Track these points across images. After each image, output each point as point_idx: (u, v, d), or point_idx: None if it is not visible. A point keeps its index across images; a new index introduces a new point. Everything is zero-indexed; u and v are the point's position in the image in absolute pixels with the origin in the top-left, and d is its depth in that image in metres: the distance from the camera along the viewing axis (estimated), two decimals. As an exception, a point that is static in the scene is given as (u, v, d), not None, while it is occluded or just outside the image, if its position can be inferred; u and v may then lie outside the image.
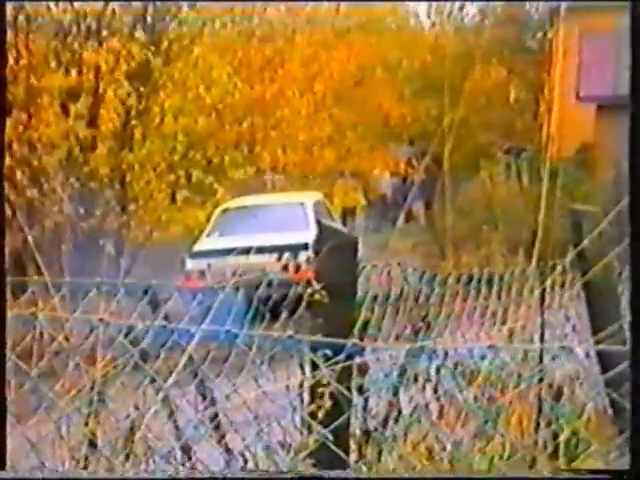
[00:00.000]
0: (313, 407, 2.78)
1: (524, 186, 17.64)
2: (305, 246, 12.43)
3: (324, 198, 15.42)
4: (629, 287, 2.31)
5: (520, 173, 18.57)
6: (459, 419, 3.79)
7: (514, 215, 15.23)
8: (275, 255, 11.52)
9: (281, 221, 13.45)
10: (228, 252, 12.40)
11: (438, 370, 3.82)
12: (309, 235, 12.67)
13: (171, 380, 3.12)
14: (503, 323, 4.34)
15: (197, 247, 13.64)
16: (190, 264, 13.22)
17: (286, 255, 12.06)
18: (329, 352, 2.65)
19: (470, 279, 4.47)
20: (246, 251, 12.20)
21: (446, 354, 3.79)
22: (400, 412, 3.66)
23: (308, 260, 12.12)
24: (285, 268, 12.22)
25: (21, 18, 14.58)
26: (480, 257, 14.44)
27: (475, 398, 3.85)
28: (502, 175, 19.63)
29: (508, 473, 3.05)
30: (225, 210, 14.42)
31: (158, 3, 15.71)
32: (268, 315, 3.37)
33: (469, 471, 3.46)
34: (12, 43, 14.50)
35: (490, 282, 4.44)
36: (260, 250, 11.80)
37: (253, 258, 11.82)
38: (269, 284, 3.57)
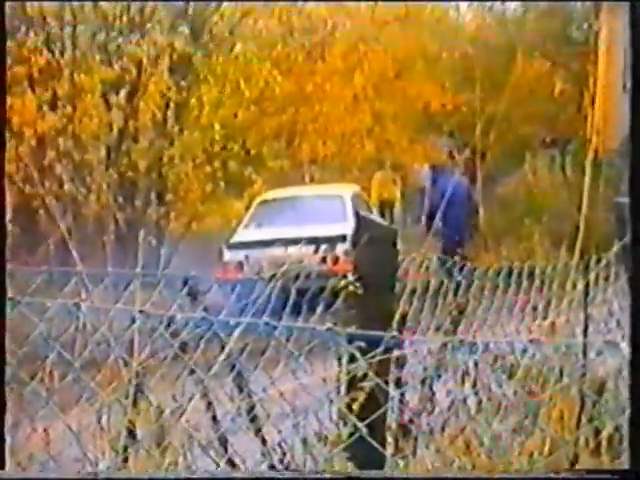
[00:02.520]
0: (350, 400, 2.77)
1: (568, 179, 17.48)
2: (343, 238, 12.39)
3: (362, 190, 15.35)
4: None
5: (564, 166, 18.40)
6: (498, 414, 3.76)
7: (557, 208, 15.10)
8: (313, 247, 11.49)
9: (319, 213, 13.39)
10: (266, 244, 12.59)
11: (476, 364, 3.79)
12: (347, 227, 12.56)
13: (211, 372, 3.13)
14: (545, 317, 4.30)
15: (235, 238, 13.64)
16: (228, 255, 13.20)
17: (324, 247, 12.03)
18: (365, 345, 2.64)
19: (510, 272, 4.43)
20: (284, 243, 12.12)
21: (486, 347, 3.76)
22: (437, 406, 3.63)
23: (346, 252, 12.08)
24: (323, 260, 12.16)
25: (67, 11, 14.71)
26: (521, 250, 14.34)
27: (515, 393, 3.81)
28: (545, 168, 19.47)
29: (548, 470, 3.01)
30: (263, 202, 14.39)
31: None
32: (305, 307, 3.36)
33: (507, 467, 3.43)
34: (59, 36, 14.68)
35: (531, 275, 4.40)
36: (297, 242, 11.74)
37: (291, 250, 11.68)
38: (307, 276, 3.55)
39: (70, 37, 14.82)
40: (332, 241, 12.20)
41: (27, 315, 3.43)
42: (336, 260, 12.12)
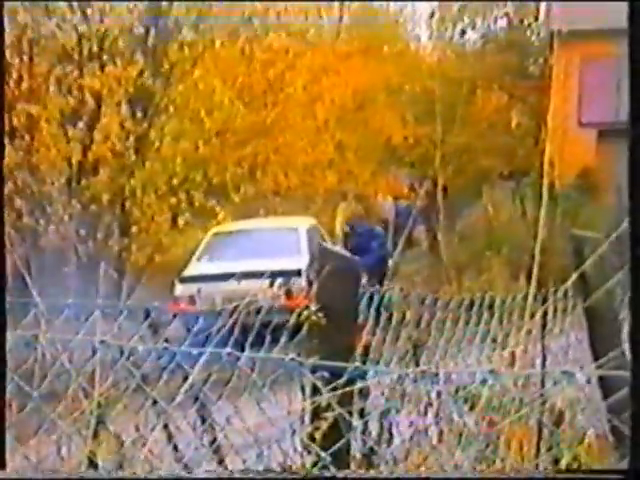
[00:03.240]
0: (313, 430, 2.80)
1: (526, 211, 17.70)
2: (298, 272, 12.29)
3: (318, 224, 15.25)
4: (629, 310, 2.34)
5: (522, 198, 18.63)
6: (460, 444, 3.80)
7: (516, 240, 15.27)
8: (267, 281, 11.44)
9: (273, 246, 13.21)
10: (218, 277, 12.33)
11: (439, 394, 3.83)
12: (301, 261, 12.68)
13: (174, 403, 3.14)
14: (504, 348, 4.36)
15: (187, 272, 13.41)
16: (179, 289, 12.97)
17: (278, 281, 11.75)
18: (328, 375, 2.67)
19: (472, 304, 4.49)
20: (237, 276, 11.74)
21: (448, 378, 3.81)
22: (399, 436, 3.67)
23: (301, 287, 11.96)
24: (277, 295, 12.20)
25: (24, 42, 14.66)
26: (482, 282, 14.47)
27: (476, 422, 3.86)
28: (504, 200, 19.70)
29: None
30: (216, 234, 14.22)
31: (160, 25, 15.78)
32: (268, 339, 3.39)
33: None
34: (16, 68, 14.61)
35: (491, 307, 4.46)
36: (251, 275, 11.69)
37: (244, 284, 11.27)
38: (264, 310, 3.57)
39: (27, 68, 14.77)
40: (286, 275, 12.04)
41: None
42: (290, 294, 11.92)
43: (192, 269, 13.44)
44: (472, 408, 3.85)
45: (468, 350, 4.40)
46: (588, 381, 3.96)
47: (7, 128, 14.46)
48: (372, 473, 3.07)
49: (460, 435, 3.80)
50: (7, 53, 14.60)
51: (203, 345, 3.09)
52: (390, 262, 13.76)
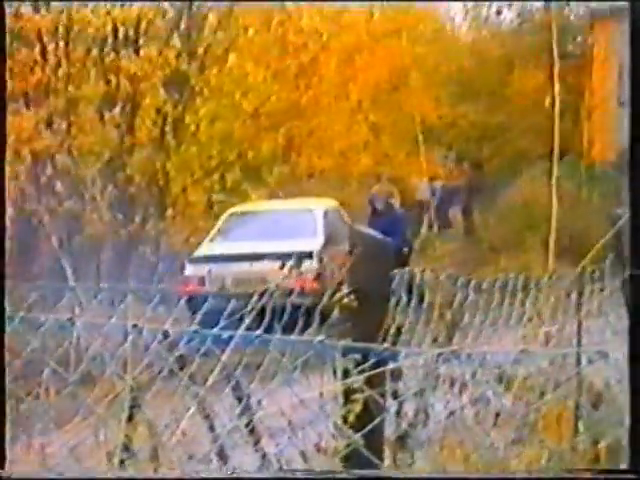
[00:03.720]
0: (345, 412, 2.79)
1: (564, 191, 17.52)
2: (309, 254, 12.04)
3: (338, 206, 14.70)
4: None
5: (561, 178, 18.45)
6: (496, 424, 3.77)
7: (554, 220, 15.11)
8: (278, 263, 10.57)
9: (288, 228, 12.88)
10: (230, 258, 12.12)
11: (474, 375, 3.80)
12: (315, 244, 12.44)
13: (206, 385, 3.14)
14: (540, 328, 4.31)
15: (198, 252, 13.05)
16: (189, 269, 12.57)
17: (289, 263, 11.17)
18: (359, 357, 2.65)
19: (506, 284, 4.44)
20: (248, 258, 11.73)
21: (482, 359, 3.77)
22: (433, 417, 3.65)
23: (312, 269, 11.75)
24: (288, 276, 11.94)
25: (60, 28, 14.75)
26: (520, 262, 14.35)
27: (512, 403, 3.83)
28: (542, 180, 19.52)
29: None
30: (231, 214, 13.90)
31: (194, 9, 15.82)
32: (301, 322, 3.36)
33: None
34: (53, 53, 14.70)
35: (526, 287, 4.41)
36: (262, 257, 11.48)
37: (255, 265, 11.38)
38: (271, 294, 3.52)
39: (64, 53, 14.86)
40: (298, 257, 11.60)
41: (21, 331, 3.45)
42: (301, 277, 11.45)
43: (204, 249, 13.08)
44: (508, 388, 3.82)
45: (504, 331, 4.36)
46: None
47: (46, 112, 14.59)
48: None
49: (496, 416, 3.77)
50: (45, 38, 14.72)
51: (213, 327, 3.08)
52: (407, 247, 13.43)
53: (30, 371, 3.43)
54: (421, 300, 3.99)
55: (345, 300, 3.06)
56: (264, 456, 3.13)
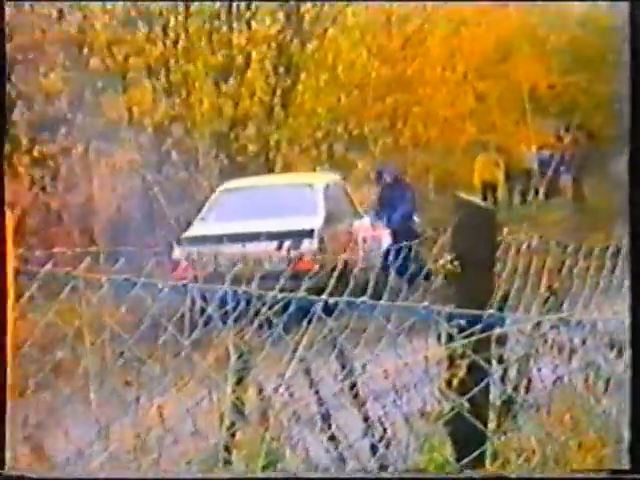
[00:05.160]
0: (450, 376, 2.75)
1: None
2: (310, 233, 11.00)
3: (342, 180, 13.48)
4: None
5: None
6: (607, 391, 3.67)
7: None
8: (275, 243, 9.98)
9: (285, 205, 11.64)
10: (222, 239, 10.50)
11: (584, 341, 3.70)
12: (316, 221, 11.32)
13: (312, 350, 3.14)
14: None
15: (188, 232, 11.75)
16: (177, 251, 11.06)
17: (286, 243, 10.47)
18: (464, 323, 2.61)
19: (618, 251, 4.30)
20: (243, 238, 10.50)
21: (593, 325, 3.67)
22: (539, 383, 3.57)
23: (312, 249, 10.75)
24: (286, 257, 10.56)
25: (180, 4, 15.05)
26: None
27: (624, 370, 3.71)
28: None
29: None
30: (224, 191, 12.48)
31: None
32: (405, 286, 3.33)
33: (618, 444, 3.33)
34: (172, 27, 15.04)
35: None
36: (257, 237, 10.38)
37: (250, 246, 10.23)
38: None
39: (183, 27, 15.13)
40: (297, 236, 10.76)
41: (142, 296, 3.52)
42: (300, 258, 10.49)
43: (195, 229, 11.81)
44: (620, 355, 3.71)
45: (616, 298, 4.22)
46: None
47: (165, 84, 15.00)
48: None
49: (607, 382, 3.67)
50: (165, 15, 15.08)
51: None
52: (415, 218, 12.66)
53: (149, 335, 3.50)
54: (528, 267, 3.90)
55: (449, 266, 3.01)
56: (367, 419, 3.12)
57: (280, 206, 11.54)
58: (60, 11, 14.67)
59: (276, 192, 12.13)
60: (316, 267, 9.77)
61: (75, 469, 3.22)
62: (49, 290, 3.36)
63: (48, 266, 3.29)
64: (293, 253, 10.41)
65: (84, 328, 3.45)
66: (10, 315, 1.57)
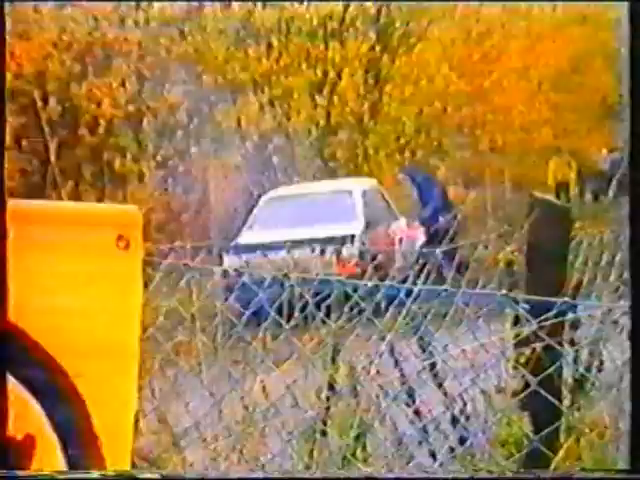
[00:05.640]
0: (525, 357, 2.72)
1: None
2: (351, 238, 10.66)
3: (378, 184, 13.08)
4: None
5: None
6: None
7: None
8: (318, 250, 9.39)
9: (327, 211, 11.27)
10: (268, 247, 9.39)
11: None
12: (356, 226, 11.00)
13: (396, 332, 3.14)
14: None
15: (237, 241, 11.41)
16: (227, 260, 10.47)
17: (329, 249, 9.99)
18: (538, 309, 2.58)
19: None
20: (287, 245, 10.21)
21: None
22: (611, 364, 3.49)
23: (354, 254, 10.37)
24: (329, 263, 10.17)
25: (282, 23, 15.13)
26: None
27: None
28: None
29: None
30: (269, 200, 12.15)
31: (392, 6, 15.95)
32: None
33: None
34: (274, 46, 15.18)
35: None
36: (302, 244, 9.72)
37: (296, 253, 9.15)
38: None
39: (285, 45, 15.27)
40: (339, 242, 10.37)
41: (247, 284, 3.57)
42: (343, 263, 10.15)
43: (243, 238, 11.44)
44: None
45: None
46: None
47: (268, 96, 15.22)
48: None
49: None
50: (266, 36, 15.26)
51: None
52: (442, 216, 12.11)
53: (253, 319, 3.55)
54: (600, 258, 3.83)
55: (510, 257, 3.00)
56: (446, 394, 3.11)
57: (321, 213, 11.27)
58: (182, 32, 15.03)
59: (317, 199, 11.84)
60: (358, 270, 9.47)
61: (192, 439, 3.29)
62: (170, 279, 3.46)
63: (169, 259, 3.38)
64: (336, 258, 10.16)
65: (197, 314, 3.53)
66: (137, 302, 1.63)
